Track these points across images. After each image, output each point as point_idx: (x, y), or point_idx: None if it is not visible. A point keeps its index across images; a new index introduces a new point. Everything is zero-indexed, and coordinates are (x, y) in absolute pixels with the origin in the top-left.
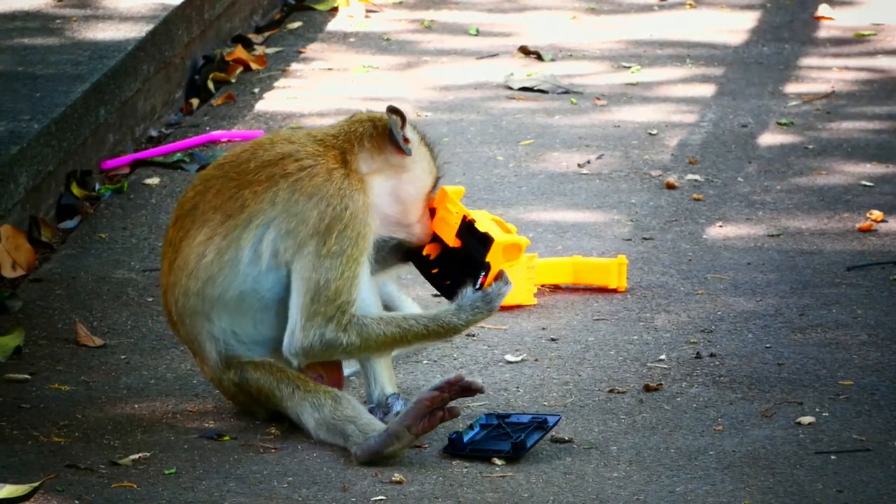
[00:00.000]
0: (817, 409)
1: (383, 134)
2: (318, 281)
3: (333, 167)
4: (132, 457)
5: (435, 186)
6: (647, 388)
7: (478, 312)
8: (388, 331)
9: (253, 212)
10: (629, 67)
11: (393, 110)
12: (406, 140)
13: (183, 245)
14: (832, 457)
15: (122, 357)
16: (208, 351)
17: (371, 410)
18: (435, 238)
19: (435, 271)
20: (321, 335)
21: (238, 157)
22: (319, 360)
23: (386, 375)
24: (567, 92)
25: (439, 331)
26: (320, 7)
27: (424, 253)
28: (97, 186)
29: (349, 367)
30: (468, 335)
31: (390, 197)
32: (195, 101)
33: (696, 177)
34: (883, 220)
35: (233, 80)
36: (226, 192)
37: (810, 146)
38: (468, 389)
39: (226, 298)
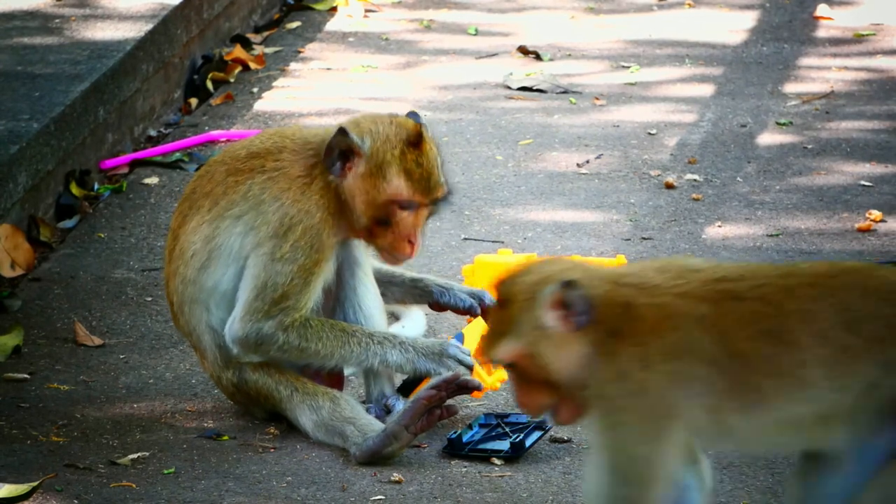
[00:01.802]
0: None
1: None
2: (266, 281)
3: (298, 174)
4: (131, 456)
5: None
6: None
7: (427, 357)
8: (330, 335)
9: (231, 200)
10: (628, 67)
11: (340, 131)
12: (344, 157)
13: (181, 232)
14: None
15: (121, 357)
16: (207, 343)
17: (370, 410)
18: None
19: None
20: (258, 329)
21: (238, 144)
22: (256, 353)
23: (385, 375)
24: (566, 92)
25: (377, 350)
26: (319, 7)
27: None
28: (96, 186)
29: (349, 368)
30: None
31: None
32: (194, 101)
33: (695, 177)
34: (882, 220)
35: (231, 80)
36: (217, 176)
37: (809, 146)
38: (465, 387)
39: (221, 289)
